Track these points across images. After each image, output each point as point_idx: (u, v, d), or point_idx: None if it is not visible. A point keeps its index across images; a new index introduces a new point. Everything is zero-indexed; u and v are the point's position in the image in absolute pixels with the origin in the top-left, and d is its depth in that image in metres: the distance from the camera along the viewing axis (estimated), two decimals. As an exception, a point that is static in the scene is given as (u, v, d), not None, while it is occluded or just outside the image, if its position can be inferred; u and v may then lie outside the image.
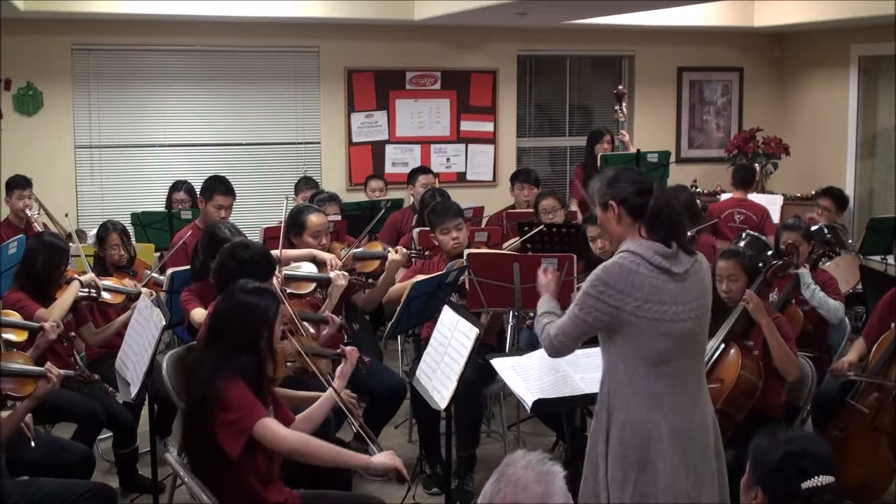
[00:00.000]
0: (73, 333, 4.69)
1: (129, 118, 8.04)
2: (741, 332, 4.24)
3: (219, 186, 5.79)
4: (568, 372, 3.67)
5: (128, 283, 5.03)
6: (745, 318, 4.22)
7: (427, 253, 5.26)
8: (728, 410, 4.07)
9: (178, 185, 7.18)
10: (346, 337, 4.75)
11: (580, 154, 9.08)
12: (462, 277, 4.81)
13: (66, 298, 4.59)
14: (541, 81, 9.41)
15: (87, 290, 4.73)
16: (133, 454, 4.70)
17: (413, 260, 5.24)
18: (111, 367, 4.22)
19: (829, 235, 6.25)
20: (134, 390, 3.92)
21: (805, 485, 2.28)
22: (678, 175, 8.16)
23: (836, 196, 6.79)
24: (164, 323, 3.85)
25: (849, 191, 8.34)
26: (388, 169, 8.65)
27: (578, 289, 3.17)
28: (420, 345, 4.91)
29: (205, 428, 3.16)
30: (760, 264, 4.62)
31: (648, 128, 9.39)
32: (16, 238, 5.50)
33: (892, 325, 4.43)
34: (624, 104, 7.86)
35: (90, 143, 7.97)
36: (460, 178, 8.92)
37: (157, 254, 6.32)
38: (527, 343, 4.96)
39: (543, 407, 3.77)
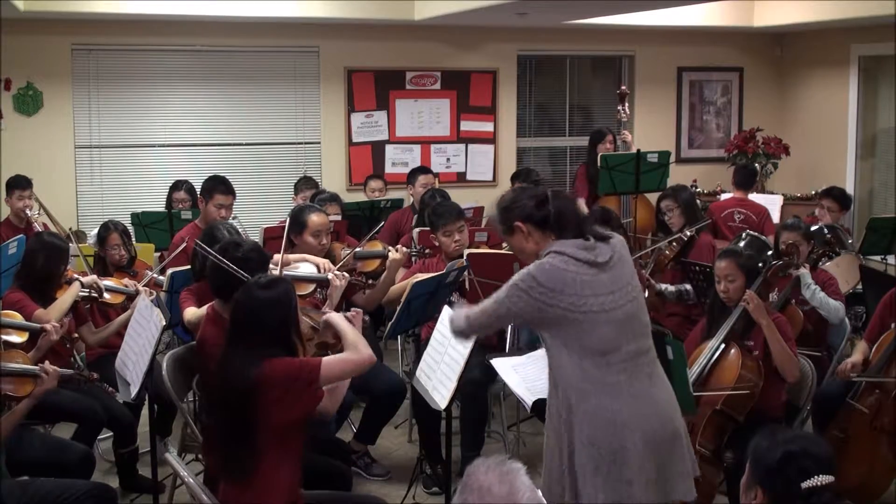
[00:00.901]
0: (75, 335, 4.70)
1: (129, 118, 8.04)
2: (741, 333, 4.24)
3: (219, 186, 5.81)
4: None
5: (128, 283, 5.03)
6: (745, 318, 4.22)
7: (427, 251, 5.25)
8: (728, 410, 4.07)
9: (178, 185, 7.18)
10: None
11: (580, 154, 9.10)
12: (462, 277, 4.81)
13: (65, 299, 4.58)
14: (541, 81, 9.40)
15: (88, 290, 4.73)
16: (133, 454, 4.70)
17: (413, 259, 5.24)
18: (111, 367, 4.22)
19: (828, 235, 6.25)
20: (134, 390, 3.92)
21: (805, 484, 2.29)
22: (678, 175, 8.15)
23: (838, 196, 6.79)
24: (164, 323, 3.86)
25: (849, 191, 8.30)
26: (388, 169, 8.64)
27: None
28: (420, 345, 4.91)
29: (248, 420, 3.08)
30: (760, 264, 4.61)
31: (648, 128, 9.38)
32: (16, 238, 5.50)
33: (893, 325, 4.43)
34: (627, 104, 7.87)
35: (90, 143, 7.97)
36: (460, 178, 8.92)
37: (157, 254, 6.33)
38: (527, 343, 4.96)
39: (543, 407, 3.77)
